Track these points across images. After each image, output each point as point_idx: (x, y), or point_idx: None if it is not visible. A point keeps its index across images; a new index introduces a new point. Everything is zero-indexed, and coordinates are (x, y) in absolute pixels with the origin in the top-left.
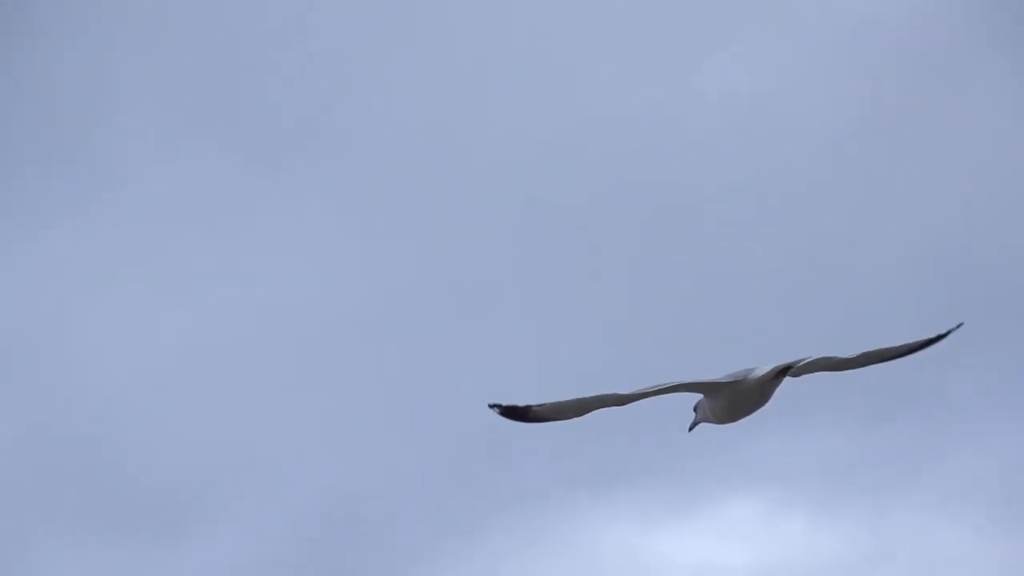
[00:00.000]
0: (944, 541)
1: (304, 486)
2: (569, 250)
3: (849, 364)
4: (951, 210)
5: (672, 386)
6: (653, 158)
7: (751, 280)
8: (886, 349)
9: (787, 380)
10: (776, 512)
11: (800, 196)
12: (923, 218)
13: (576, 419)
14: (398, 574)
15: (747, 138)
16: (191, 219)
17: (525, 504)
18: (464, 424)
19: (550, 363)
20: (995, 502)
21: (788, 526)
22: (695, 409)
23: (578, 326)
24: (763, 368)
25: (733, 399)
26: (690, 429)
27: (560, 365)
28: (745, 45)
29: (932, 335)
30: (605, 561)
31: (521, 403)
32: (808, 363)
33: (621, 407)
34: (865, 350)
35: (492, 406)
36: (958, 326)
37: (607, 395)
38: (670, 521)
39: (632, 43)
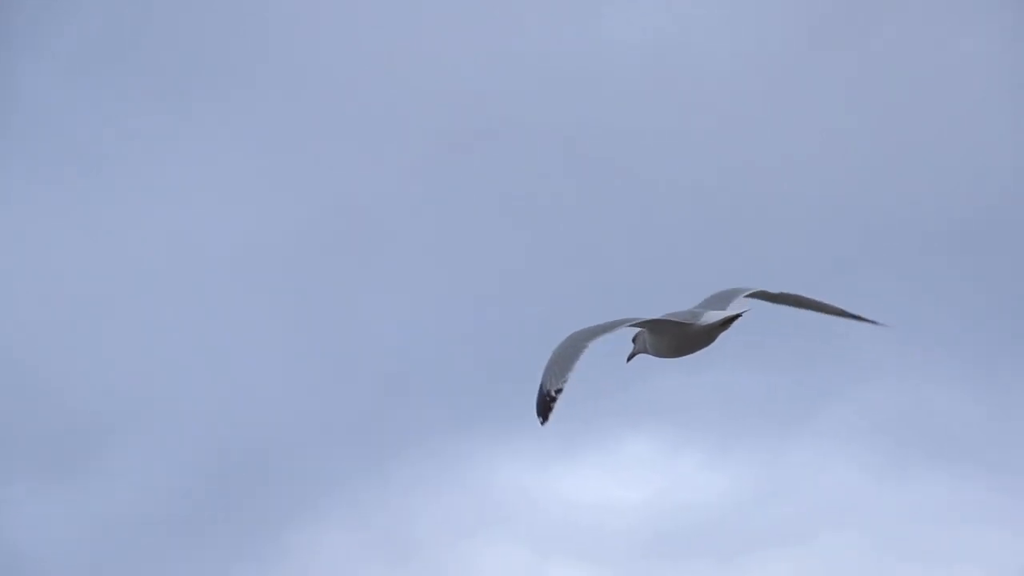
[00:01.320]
0: (838, 480)
1: (210, 417)
2: (477, 189)
3: (783, 300)
4: (860, 145)
5: (623, 321)
6: (563, 98)
7: (664, 216)
8: (820, 303)
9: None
10: (672, 450)
11: (710, 133)
12: (832, 154)
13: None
14: (300, 506)
15: (657, 77)
16: (97, 151)
17: (424, 441)
18: (366, 361)
19: (452, 300)
20: (887, 442)
21: (684, 464)
22: (633, 340)
23: (484, 265)
24: (713, 315)
25: (681, 340)
26: (628, 360)
27: (462, 302)
28: None
29: (863, 316)
30: (502, 498)
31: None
32: (751, 294)
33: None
34: (800, 295)
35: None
36: (885, 325)
37: (577, 344)
38: (566, 459)
39: None
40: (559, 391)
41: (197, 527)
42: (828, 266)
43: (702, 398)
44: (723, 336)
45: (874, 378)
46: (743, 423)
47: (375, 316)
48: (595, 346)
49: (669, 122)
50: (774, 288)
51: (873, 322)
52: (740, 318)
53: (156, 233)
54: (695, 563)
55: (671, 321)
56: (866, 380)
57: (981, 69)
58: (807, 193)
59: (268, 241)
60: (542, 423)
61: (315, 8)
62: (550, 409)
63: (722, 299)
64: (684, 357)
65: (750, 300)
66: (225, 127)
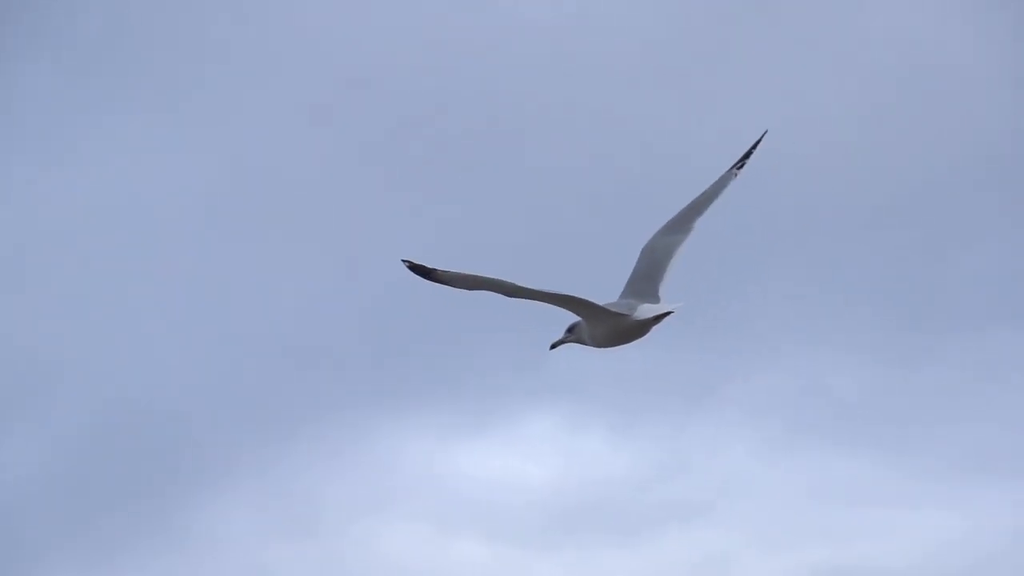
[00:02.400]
0: (738, 457)
1: (109, 391)
2: (380, 166)
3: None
4: (759, 127)
5: (563, 296)
6: (469, 77)
7: (568, 196)
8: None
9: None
10: (575, 427)
11: (617, 110)
12: (729, 135)
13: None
14: (201, 482)
15: (563, 56)
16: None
17: (328, 416)
18: (269, 335)
19: (357, 273)
20: (786, 420)
21: (587, 441)
22: (570, 330)
23: (387, 239)
24: (652, 308)
25: (617, 329)
26: (552, 347)
27: (367, 275)
28: None
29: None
30: (404, 474)
31: (429, 264)
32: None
33: (508, 298)
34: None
35: (403, 261)
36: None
37: (504, 281)
38: (470, 435)
39: None
40: (444, 272)
41: (96, 503)
42: (724, 247)
43: (605, 375)
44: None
45: (773, 357)
46: (645, 400)
47: (278, 289)
48: (516, 297)
49: (575, 100)
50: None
51: (752, 149)
52: (673, 313)
53: (60, 201)
54: (598, 538)
55: (604, 310)
56: (765, 359)
57: (873, 49)
58: (708, 174)
59: (172, 212)
60: (408, 267)
61: None
62: (426, 273)
63: (650, 274)
64: (616, 347)
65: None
66: (132, 99)
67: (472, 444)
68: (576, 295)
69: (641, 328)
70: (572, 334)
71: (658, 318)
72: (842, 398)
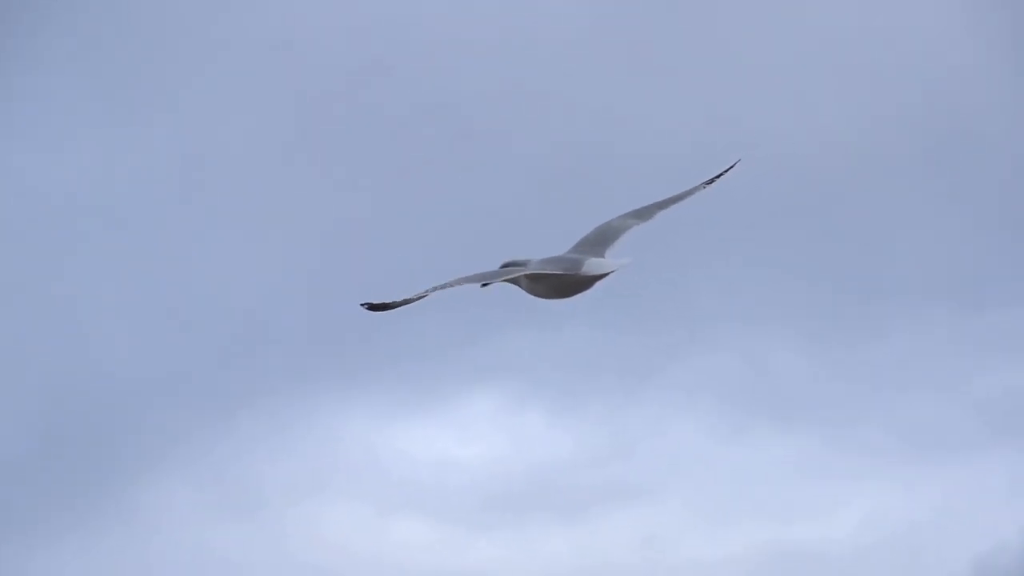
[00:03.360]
0: (680, 438)
1: (49, 371)
2: (323, 144)
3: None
4: (702, 104)
5: (521, 273)
6: (417, 57)
7: (512, 173)
8: (678, 196)
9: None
10: (517, 407)
11: (559, 93)
12: (677, 114)
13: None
14: (143, 463)
15: (506, 39)
16: None
17: (267, 397)
18: (209, 315)
19: (298, 254)
20: (727, 401)
21: (529, 421)
22: (504, 266)
23: (330, 218)
24: (600, 263)
25: (560, 285)
26: (483, 285)
27: (308, 256)
28: None
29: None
30: (346, 455)
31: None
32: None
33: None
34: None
35: (362, 304)
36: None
37: (470, 278)
38: (411, 416)
39: None
40: (405, 302)
41: (39, 484)
42: (665, 228)
43: (548, 356)
44: (599, 283)
45: (714, 337)
46: (587, 380)
47: (221, 270)
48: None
49: (524, 80)
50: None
51: (725, 171)
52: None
53: (7, 184)
54: (541, 518)
55: (553, 272)
56: (706, 339)
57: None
58: (651, 152)
59: (111, 191)
60: (368, 309)
61: None
62: (382, 307)
63: (601, 241)
64: (553, 300)
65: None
66: (74, 71)
67: (414, 424)
68: (533, 270)
69: (585, 284)
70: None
71: (605, 274)
72: (783, 377)
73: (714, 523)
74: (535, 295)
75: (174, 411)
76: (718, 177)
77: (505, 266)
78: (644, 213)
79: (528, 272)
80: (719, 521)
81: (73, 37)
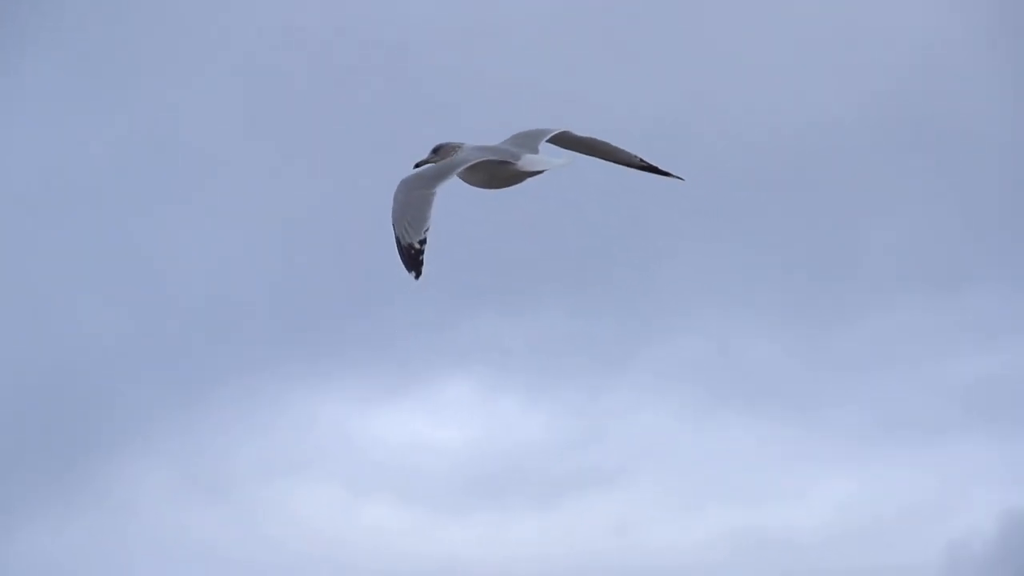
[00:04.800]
0: (653, 422)
1: (20, 353)
2: (291, 124)
3: (586, 144)
4: (679, 92)
5: (459, 165)
6: (385, 41)
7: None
8: (623, 152)
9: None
10: (492, 392)
11: (542, 77)
12: (651, 101)
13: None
14: (116, 444)
15: (486, 21)
16: None
17: (242, 378)
18: (183, 296)
19: (273, 234)
20: (701, 386)
21: (503, 406)
22: (435, 151)
23: (305, 199)
24: (538, 160)
25: (495, 175)
26: (416, 167)
27: (283, 236)
28: None
29: (660, 168)
30: (320, 437)
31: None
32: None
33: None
34: (606, 142)
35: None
36: (679, 178)
37: (424, 191)
38: (385, 399)
39: None
40: (423, 242)
41: (14, 465)
42: (638, 213)
43: (521, 341)
44: (533, 184)
45: (687, 322)
46: (561, 366)
47: (195, 251)
48: (440, 190)
49: (505, 67)
50: (582, 132)
51: (669, 174)
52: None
53: None
54: (513, 502)
55: (496, 161)
56: (679, 324)
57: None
58: (635, 126)
59: (82, 172)
60: (416, 277)
61: None
62: (420, 262)
63: (530, 139)
64: (483, 188)
65: (556, 147)
66: (43, 53)
67: (388, 408)
68: (473, 161)
69: (521, 178)
70: (437, 155)
71: (541, 171)
72: (756, 362)
73: (687, 508)
74: (466, 181)
75: (147, 392)
76: (656, 170)
77: (436, 150)
78: (579, 137)
79: (469, 163)
80: (692, 506)
81: (48, 19)
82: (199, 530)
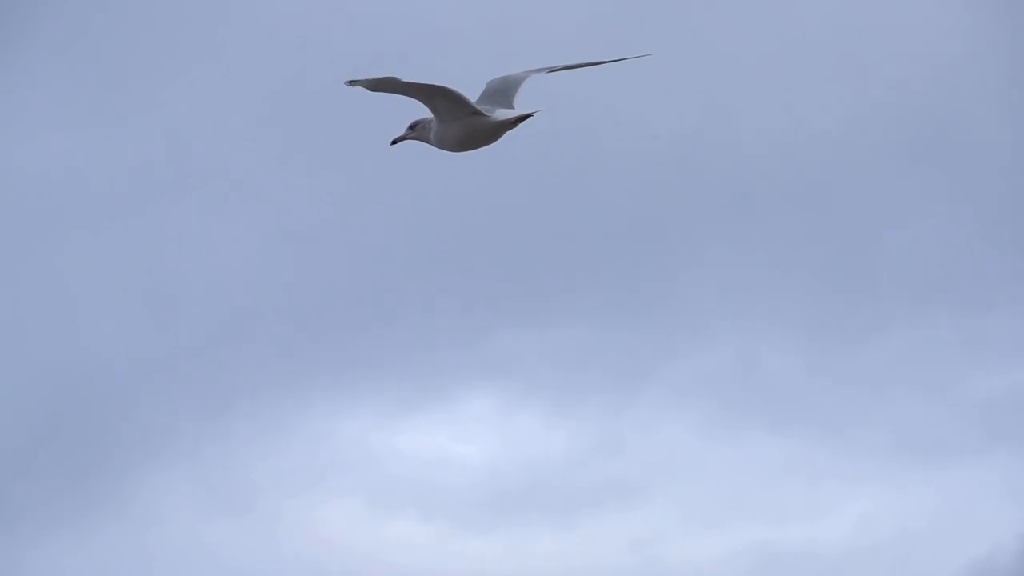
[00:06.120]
0: (673, 438)
1: (42, 366)
2: (309, 136)
3: (559, 69)
4: (695, 104)
5: (434, 87)
6: (394, 49)
7: (504, 166)
8: (588, 62)
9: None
10: (512, 407)
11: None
12: (670, 113)
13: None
14: (139, 457)
15: (497, 32)
16: None
17: (264, 392)
18: (206, 310)
19: (292, 248)
20: (721, 398)
21: (523, 421)
22: (411, 127)
23: (330, 220)
24: (511, 112)
25: (470, 131)
26: (393, 143)
27: (303, 250)
28: None
29: (624, 56)
30: (341, 452)
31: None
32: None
33: (375, 92)
34: (572, 63)
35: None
36: (648, 54)
37: (389, 77)
38: (407, 414)
39: None
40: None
41: (34, 477)
42: (660, 227)
43: (542, 356)
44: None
45: (709, 337)
46: (582, 381)
47: (215, 265)
48: (393, 91)
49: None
50: (547, 66)
51: (633, 57)
52: (531, 117)
53: None
54: (534, 517)
55: (469, 105)
56: (701, 341)
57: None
58: (656, 142)
59: (103, 182)
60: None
61: None
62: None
63: (502, 89)
64: (463, 152)
65: (533, 81)
66: (59, 61)
67: (409, 423)
68: (448, 87)
69: (495, 131)
70: (414, 131)
71: (516, 121)
72: (777, 377)
73: (708, 524)
74: (442, 146)
75: (168, 406)
76: (619, 60)
77: (412, 126)
78: (544, 69)
79: (425, 82)
80: (713, 522)
81: (59, 27)
82: (220, 545)
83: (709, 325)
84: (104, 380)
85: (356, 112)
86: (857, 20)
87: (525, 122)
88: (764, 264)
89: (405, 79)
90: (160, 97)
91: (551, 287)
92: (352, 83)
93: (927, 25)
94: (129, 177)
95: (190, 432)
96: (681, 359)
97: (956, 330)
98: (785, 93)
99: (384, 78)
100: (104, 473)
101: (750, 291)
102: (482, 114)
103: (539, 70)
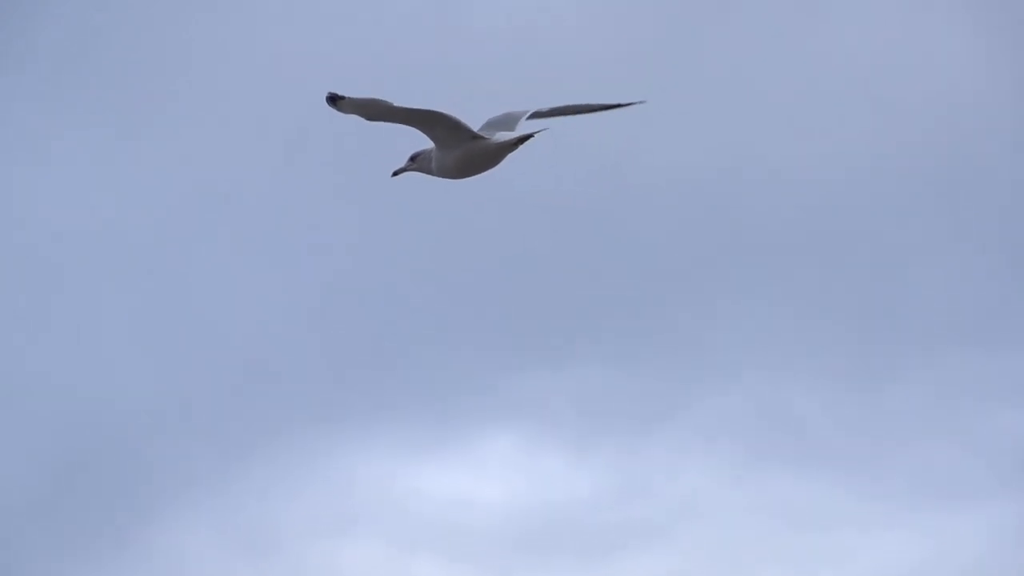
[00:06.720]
0: (697, 479)
1: (63, 409)
2: (331, 177)
3: (556, 113)
4: (729, 142)
5: (429, 112)
6: (424, 85)
7: (518, 211)
8: (586, 105)
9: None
10: (534, 448)
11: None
12: (705, 151)
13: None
14: (157, 503)
15: (512, 63)
16: None
17: (285, 436)
18: (225, 353)
19: (313, 291)
20: (746, 443)
21: (544, 462)
22: (412, 158)
23: (344, 254)
24: (507, 134)
25: (470, 156)
26: (394, 175)
27: (323, 292)
28: None
29: (623, 102)
30: (363, 494)
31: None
32: (549, 110)
33: (372, 121)
34: (567, 104)
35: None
36: (640, 102)
37: (380, 101)
38: (429, 455)
39: None
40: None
41: (54, 522)
42: (685, 269)
43: (564, 396)
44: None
45: (735, 376)
46: (604, 421)
47: (236, 306)
48: (387, 120)
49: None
50: (545, 107)
51: (632, 103)
52: (532, 138)
53: (10, 214)
54: (557, 560)
55: (466, 129)
56: (726, 381)
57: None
58: (677, 180)
59: (127, 227)
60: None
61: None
62: (336, 100)
63: (501, 123)
64: (463, 179)
65: (530, 123)
66: (96, 112)
67: (431, 464)
68: (442, 111)
69: (496, 154)
70: (415, 163)
71: (517, 142)
72: (802, 420)
73: (731, 567)
74: (444, 174)
75: (189, 449)
76: (617, 106)
77: (413, 157)
78: (543, 111)
79: (422, 107)
80: (738, 565)
81: (83, 62)
82: None
83: (732, 366)
84: (128, 423)
85: (380, 152)
86: (879, 58)
87: (527, 141)
88: (788, 305)
89: (397, 103)
90: (184, 143)
91: (574, 328)
92: (336, 100)
93: (949, 63)
94: (151, 216)
95: (212, 475)
96: (705, 401)
97: (983, 372)
98: (807, 133)
99: (373, 100)
100: (126, 517)
101: (773, 332)
102: (482, 138)
103: (537, 111)
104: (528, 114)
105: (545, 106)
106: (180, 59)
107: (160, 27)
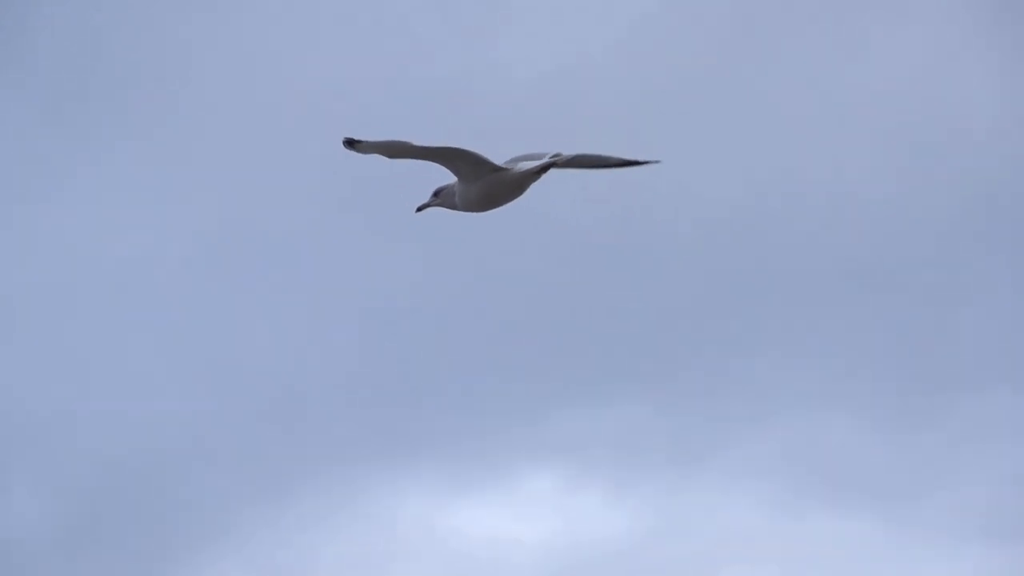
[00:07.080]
0: (738, 517)
1: (94, 447)
2: (369, 209)
3: (576, 163)
4: (766, 174)
5: (449, 149)
6: (455, 122)
7: (552, 251)
8: (604, 157)
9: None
10: (573, 486)
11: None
12: (738, 181)
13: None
14: (193, 543)
15: (552, 105)
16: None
17: (323, 474)
18: (261, 390)
19: (350, 328)
20: (787, 479)
21: (583, 501)
22: (436, 194)
23: (390, 298)
24: (532, 163)
25: (493, 188)
26: (418, 210)
27: (360, 330)
28: (549, 16)
29: (639, 160)
30: (402, 533)
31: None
32: (566, 159)
33: (393, 159)
34: (587, 153)
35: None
36: (656, 161)
37: (398, 141)
38: (467, 494)
39: (437, 8)
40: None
41: (91, 563)
42: (722, 308)
43: (602, 434)
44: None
45: (774, 415)
46: (643, 459)
47: (274, 344)
48: (406, 157)
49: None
50: (568, 152)
51: (647, 162)
52: (553, 167)
53: (46, 247)
54: None
55: (488, 163)
56: (766, 417)
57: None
58: (717, 218)
59: (160, 260)
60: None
61: (211, 26)
62: (354, 143)
63: (523, 161)
64: (487, 212)
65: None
66: (116, 141)
67: (471, 502)
68: (462, 147)
69: (520, 183)
70: (438, 198)
71: (541, 171)
72: (841, 461)
73: None
74: (468, 208)
75: (227, 488)
76: (634, 163)
77: (436, 193)
78: (562, 158)
79: (442, 145)
80: None
81: (123, 111)
82: None
83: (771, 403)
84: (157, 464)
85: (409, 188)
86: (918, 97)
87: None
88: (827, 345)
89: (418, 143)
90: (215, 173)
91: (611, 366)
92: (353, 144)
93: (993, 100)
94: (182, 254)
95: (247, 517)
96: (743, 440)
97: (1021, 410)
98: (845, 171)
99: (395, 142)
100: (158, 561)
101: (813, 372)
102: (504, 169)
103: (556, 155)
104: (550, 156)
105: (566, 151)
106: (215, 87)
107: (189, 50)
